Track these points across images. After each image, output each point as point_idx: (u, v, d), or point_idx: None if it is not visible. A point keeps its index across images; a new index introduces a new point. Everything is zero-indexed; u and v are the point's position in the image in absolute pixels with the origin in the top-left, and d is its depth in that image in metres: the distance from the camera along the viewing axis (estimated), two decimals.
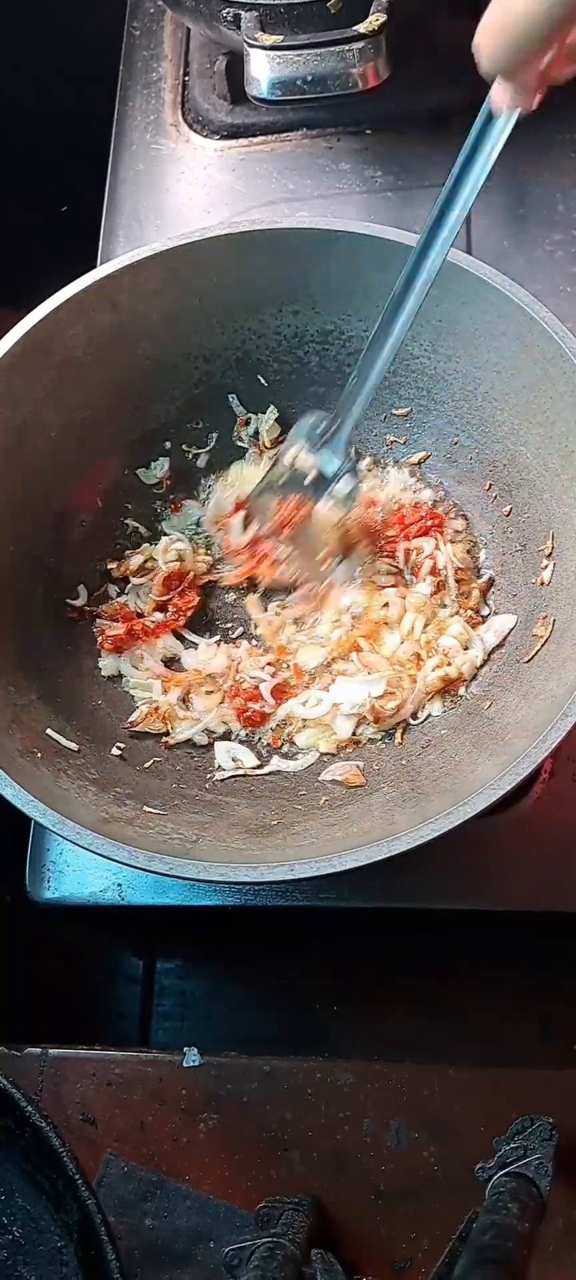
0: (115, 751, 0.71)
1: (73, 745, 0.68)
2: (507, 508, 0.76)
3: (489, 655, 0.72)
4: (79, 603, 0.77)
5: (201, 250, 0.76)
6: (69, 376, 0.75)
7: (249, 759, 0.71)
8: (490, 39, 0.53)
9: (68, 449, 0.76)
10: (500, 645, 0.72)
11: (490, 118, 0.60)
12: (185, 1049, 0.66)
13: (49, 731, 0.68)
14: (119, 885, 0.75)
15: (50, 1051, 0.67)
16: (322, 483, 0.74)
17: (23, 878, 0.76)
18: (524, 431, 0.74)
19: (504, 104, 0.58)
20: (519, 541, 0.74)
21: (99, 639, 0.76)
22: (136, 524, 0.80)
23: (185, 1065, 0.66)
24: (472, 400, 0.77)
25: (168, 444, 0.82)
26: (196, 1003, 0.92)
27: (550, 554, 0.71)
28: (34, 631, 0.73)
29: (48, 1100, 0.65)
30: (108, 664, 0.75)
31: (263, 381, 0.82)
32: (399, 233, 0.74)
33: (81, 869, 0.75)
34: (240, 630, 0.78)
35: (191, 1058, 0.66)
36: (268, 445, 0.82)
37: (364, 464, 0.81)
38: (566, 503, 0.70)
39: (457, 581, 0.75)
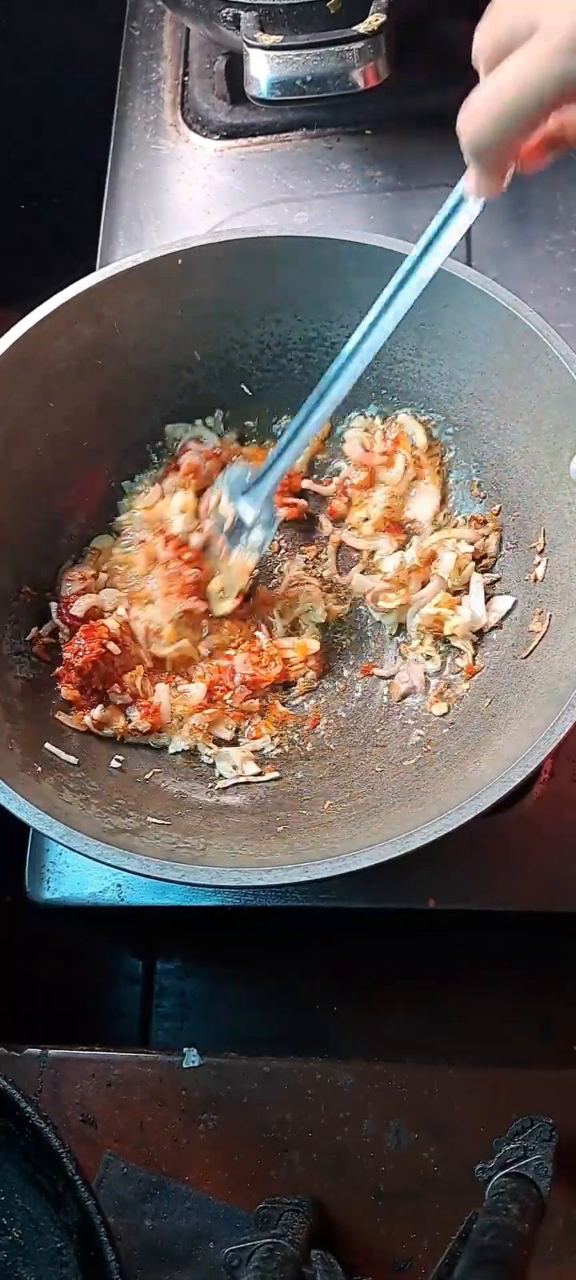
0: (114, 764, 0.71)
1: (72, 759, 0.68)
2: (497, 507, 0.76)
3: (482, 634, 0.73)
4: (31, 636, 0.74)
5: (183, 260, 0.76)
6: (53, 389, 0.75)
7: (250, 767, 0.71)
8: (477, 119, 0.53)
9: (53, 462, 0.76)
10: (497, 627, 0.72)
11: (460, 200, 0.62)
12: (185, 1049, 0.66)
13: (48, 745, 0.68)
14: (118, 886, 0.75)
15: (50, 1052, 0.67)
16: (239, 530, 0.76)
17: (22, 878, 0.76)
18: (511, 430, 0.74)
19: (473, 189, 0.59)
20: (510, 539, 0.75)
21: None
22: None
23: (185, 1066, 0.66)
24: (458, 402, 0.77)
25: (153, 456, 0.82)
26: (196, 1003, 0.92)
27: (542, 550, 0.71)
28: (26, 645, 0.73)
29: (47, 1101, 0.65)
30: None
31: (247, 390, 0.82)
32: (379, 238, 0.75)
33: (81, 870, 0.75)
34: None
35: (191, 1058, 0.66)
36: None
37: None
38: (556, 499, 0.70)
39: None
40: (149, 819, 0.65)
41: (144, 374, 0.79)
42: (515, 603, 0.73)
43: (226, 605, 0.75)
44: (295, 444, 0.72)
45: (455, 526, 0.76)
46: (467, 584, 0.74)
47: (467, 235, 0.92)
